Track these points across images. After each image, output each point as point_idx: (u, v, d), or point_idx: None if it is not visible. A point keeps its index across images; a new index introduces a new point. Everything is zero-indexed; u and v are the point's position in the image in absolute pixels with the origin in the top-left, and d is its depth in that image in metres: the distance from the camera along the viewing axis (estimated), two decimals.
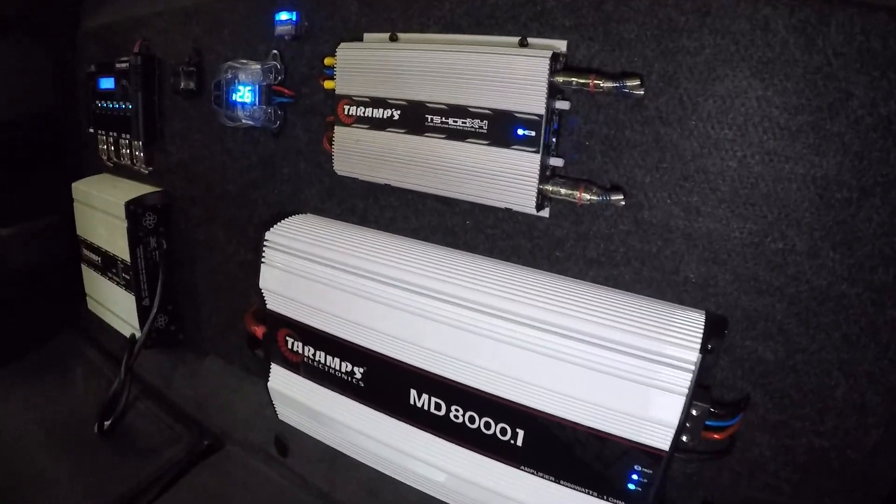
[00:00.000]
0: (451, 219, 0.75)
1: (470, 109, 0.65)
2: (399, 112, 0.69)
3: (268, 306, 0.83)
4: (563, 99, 0.63)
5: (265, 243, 0.80)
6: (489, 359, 0.63)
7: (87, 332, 1.28)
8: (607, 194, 0.61)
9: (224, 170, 0.95)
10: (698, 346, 0.54)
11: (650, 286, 0.63)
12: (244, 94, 0.86)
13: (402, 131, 0.69)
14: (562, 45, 0.63)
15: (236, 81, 0.87)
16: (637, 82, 0.57)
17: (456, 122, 0.66)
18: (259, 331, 0.89)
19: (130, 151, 1.11)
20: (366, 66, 0.71)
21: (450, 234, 0.76)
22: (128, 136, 1.09)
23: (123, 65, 1.04)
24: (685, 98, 0.57)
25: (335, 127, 0.74)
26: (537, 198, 0.63)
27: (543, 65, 0.59)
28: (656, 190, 0.60)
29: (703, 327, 0.56)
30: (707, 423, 0.56)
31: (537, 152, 0.62)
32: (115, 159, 1.16)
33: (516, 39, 0.66)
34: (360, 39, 0.76)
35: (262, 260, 0.80)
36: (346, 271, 0.74)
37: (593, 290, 0.65)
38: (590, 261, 0.67)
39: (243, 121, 0.87)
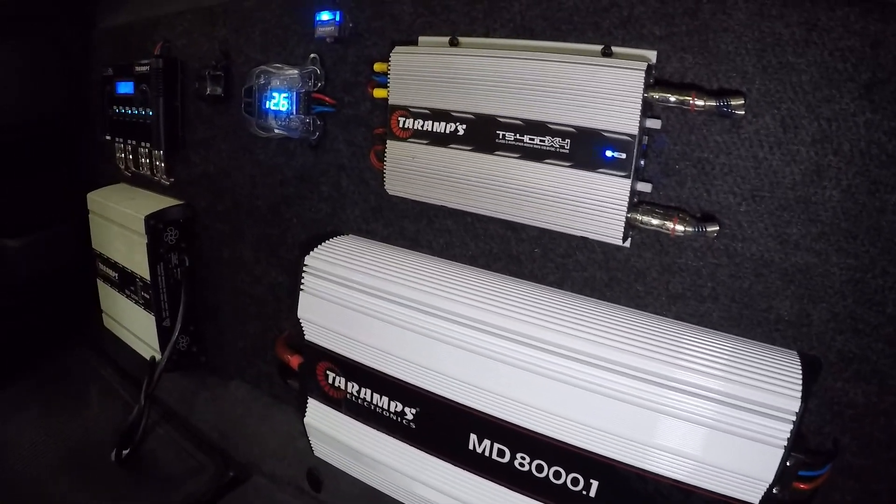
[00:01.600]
0: (517, 246, 0.67)
1: (550, 126, 0.57)
2: (465, 127, 0.61)
3: (306, 337, 0.75)
4: (653, 116, 0.56)
5: (305, 269, 0.72)
6: (560, 404, 0.57)
7: (102, 349, 1.20)
8: (702, 225, 0.55)
9: (254, 184, 0.88)
10: (800, 394, 0.48)
11: (738, 324, 0.57)
12: (279, 102, 0.78)
13: (468, 148, 0.62)
14: (651, 56, 0.56)
15: (270, 88, 0.79)
16: (741, 101, 0.51)
17: (533, 140, 0.58)
18: (294, 361, 0.82)
19: (150, 161, 1.03)
20: (425, 73, 0.63)
21: (514, 263, 0.68)
22: (147, 145, 1.01)
23: (143, 68, 0.97)
24: (787, 120, 0.52)
25: (387, 141, 0.66)
26: (625, 227, 0.56)
27: (638, 78, 0.53)
28: (751, 220, 0.55)
29: (801, 372, 0.51)
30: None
31: (628, 177, 0.55)
32: (133, 169, 1.08)
33: (598, 48, 0.58)
34: (414, 43, 0.68)
35: (301, 287, 0.73)
36: (397, 303, 0.66)
37: (679, 328, 0.58)
38: (673, 296, 0.60)
39: (277, 131, 0.79)
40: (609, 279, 0.63)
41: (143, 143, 1.01)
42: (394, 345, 0.67)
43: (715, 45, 0.53)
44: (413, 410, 0.68)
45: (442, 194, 0.65)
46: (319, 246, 0.74)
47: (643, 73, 0.52)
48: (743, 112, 0.52)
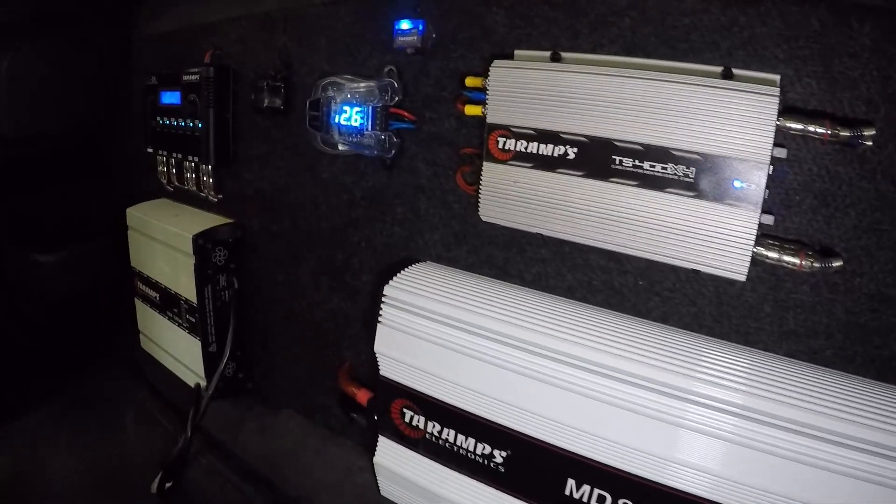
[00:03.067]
0: (618, 277, 0.62)
1: (673, 153, 0.52)
2: (576, 150, 0.56)
3: (381, 372, 0.69)
4: (779, 145, 0.52)
5: (384, 300, 0.67)
6: (668, 447, 0.52)
7: (139, 372, 1.14)
8: (827, 261, 0.51)
9: (316, 204, 0.82)
10: None
11: (852, 361, 0.54)
12: (351, 117, 0.72)
13: (579, 174, 0.56)
14: (774, 80, 0.52)
15: (340, 101, 0.73)
16: (872, 132, 0.48)
17: (654, 167, 0.53)
18: (361, 395, 0.77)
19: (197, 176, 0.97)
20: (530, 90, 0.57)
21: (615, 295, 0.63)
22: (195, 159, 0.95)
23: (192, 77, 0.91)
24: None
25: (483, 163, 0.61)
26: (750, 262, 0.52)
27: (772, 105, 0.49)
28: (870, 254, 0.51)
29: None
30: None
31: (756, 209, 0.51)
32: (176, 183, 1.03)
33: (718, 69, 0.53)
34: (509, 57, 0.62)
35: (380, 320, 0.67)
36: (487, 337, 0.61)
37: (795, 367, 0.54)
38: (786, 332, 0.56)
39: (346, 148, 0.74)
40: (718, 314, 0.59)
41: (189, 157, 0.96)
42: (483, 383, 0.62)
43: (839, 70, 0.50)
44: (503, 453, 0.63)
45: (544, 222, 0.59)
46: (399, 275, 0.68)
47: (777, 99, 0.49)
48: (871, 143, 0.48)
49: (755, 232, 0.51)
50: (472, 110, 0.62)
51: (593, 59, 0.58)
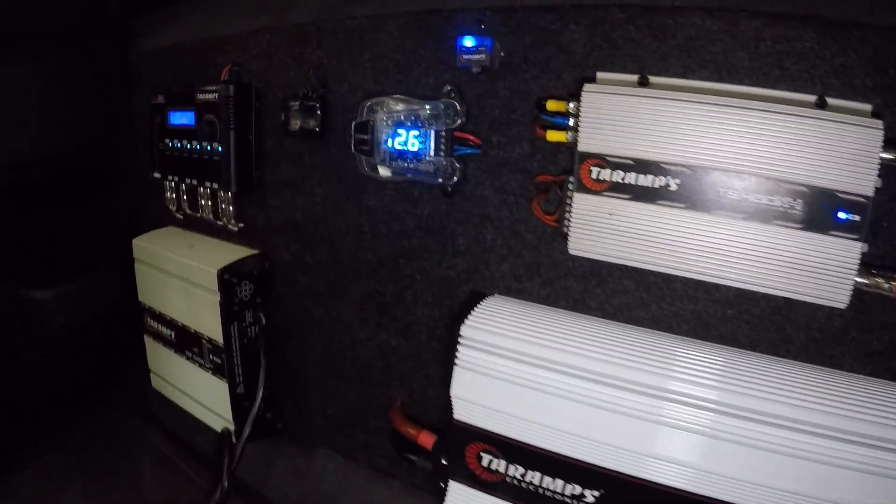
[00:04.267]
0: (706, 307, 0.60)
1: (780, 184, 0.51)
2: (678, 181, 0.53)
3: (455, 416, 0.65)
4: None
5: (461, 341, 0.62)
6: (780, 479, 0.50)
7: (151, 414, 1.05)
8: None
9: (360, 233, 0.76)
10: None
11: None
12: (407, 141, 0.67)
13: (682, 206, 0.53)
14: (866, 110, 0.51)
15: (394, 123, 0.68)
16: None
17: (760, 198, 0.51)
18: (424, 438, 0.72)
19: (214, 203, 0.89)
20: (627, 116, 0.54)
21: (702, 325, 0.60)
22: (211, 184, 0.87)
23: (209, 95, 0.83)
24: None
25: (576, 194, 0.57)
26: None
27: (876, 137, 0.48)
28: None
29: None
30: None
31: (860, 240, 0.50)
32: (188, 211, 0.94)
33: (812, 98, 0.52)
34: (591, 79, 0.59)
35: (456, 362, 0.62)
36: (573, 375, 0.58)
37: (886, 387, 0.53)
38: (870, 353, 0.55)
39: (399, 174, 0.69)
40: (806, 339, 0.58)
41: (206, 183, 0.87)
42: (571, 422, 0.58)
43: None
44: (595, 493, 0.60)
45: (637, 254, 0.56)
46: (474, 312, 0.63)
47: (882, 132, 0.48)
48: None
49: (858, 261, 0.51)
50: (555, 136, 0.58)
51: (685, 84, 0.55)
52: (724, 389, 0.53)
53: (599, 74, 0.59)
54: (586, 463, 0.58)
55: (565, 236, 0.61)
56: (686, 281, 0.59)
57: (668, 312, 0.61)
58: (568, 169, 0.60)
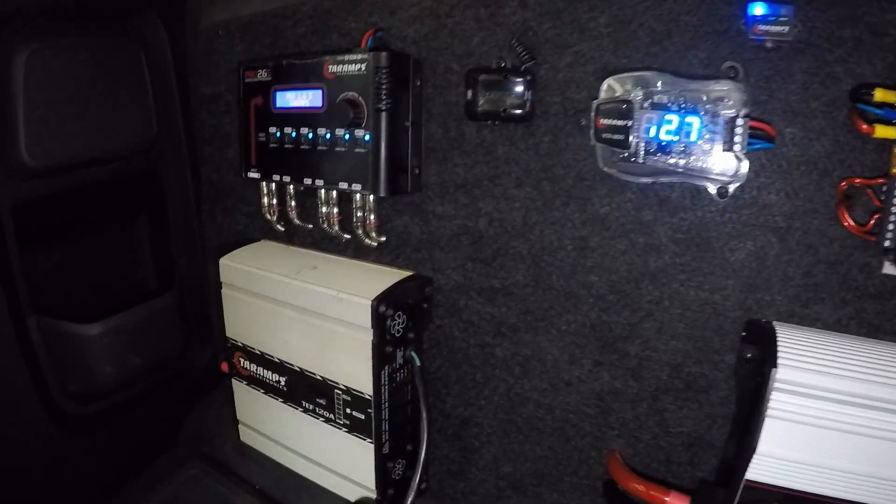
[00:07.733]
0: None
1: None
2: None
3: (750, 475, 0.51)
4: None
5: (777, 385, 0.48)
6: None
7: (236, 475, 0.80)
8: None
9: (584, 249, 0.59)
10: None
11: None
12: (680, 130, 0.52)
13: None
14: None
15: (654, 107, 0.52)
16: None
17: None
18: (674, 501, 0.58)
19: (352, 210, 0.68)
20: None
21: None
22: (345, 186, 0.65)
23: (350, 67, 0.62)
24: None
25: None
26: None
27: None
28: None
29: None
30: None
31: None
32: (297, 221, 0.72)
33: None
34: None
35: (769, 413, 0.49)
36: None
37: None
38: None
39: (662, 173, 0.53)
40: None
41: (337, 184, 0.66)
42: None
43: None
44: None
45: None
46: (782, 349, 0.49)
47: None
48: None
49: None
50: (885, 132, 0.46)
51: None
52: None
53: None
54: None
55: (885, 251, 0.49)
56: None
57: None
58: (878, 171, 0.48)
